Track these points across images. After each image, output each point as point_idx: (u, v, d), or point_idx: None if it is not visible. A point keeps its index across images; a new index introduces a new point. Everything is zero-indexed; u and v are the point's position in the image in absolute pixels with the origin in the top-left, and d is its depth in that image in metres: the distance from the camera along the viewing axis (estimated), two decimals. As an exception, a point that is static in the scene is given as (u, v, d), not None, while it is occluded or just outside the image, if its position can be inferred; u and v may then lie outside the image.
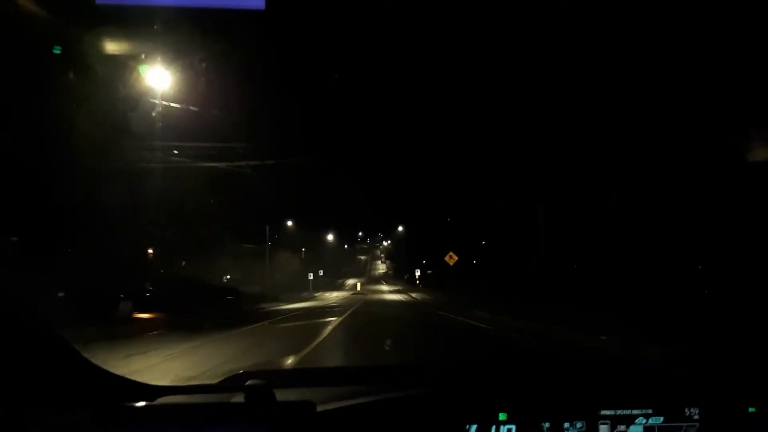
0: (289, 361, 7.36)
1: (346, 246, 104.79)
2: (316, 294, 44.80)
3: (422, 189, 57.52)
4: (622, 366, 2.45)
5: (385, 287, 60.43)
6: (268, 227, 38.69)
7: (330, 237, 65.55)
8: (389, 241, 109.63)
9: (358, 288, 51.73)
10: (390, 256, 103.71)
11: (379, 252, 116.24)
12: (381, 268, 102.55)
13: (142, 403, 1.49)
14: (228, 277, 40.42)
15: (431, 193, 51.46)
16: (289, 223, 47.36)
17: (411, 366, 2.09)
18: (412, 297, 38.93)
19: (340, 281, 73.57)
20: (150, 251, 30.82)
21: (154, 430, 1.41)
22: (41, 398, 1.35)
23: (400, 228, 60.36)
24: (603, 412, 1.63)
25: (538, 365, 2.59)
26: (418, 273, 50.56)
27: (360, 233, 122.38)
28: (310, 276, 45.69)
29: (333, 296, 43.45)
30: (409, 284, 60.83)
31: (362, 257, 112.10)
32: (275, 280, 43.40)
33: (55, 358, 1.39)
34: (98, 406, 1.42)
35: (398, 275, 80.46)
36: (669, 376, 2.00)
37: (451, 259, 30.14)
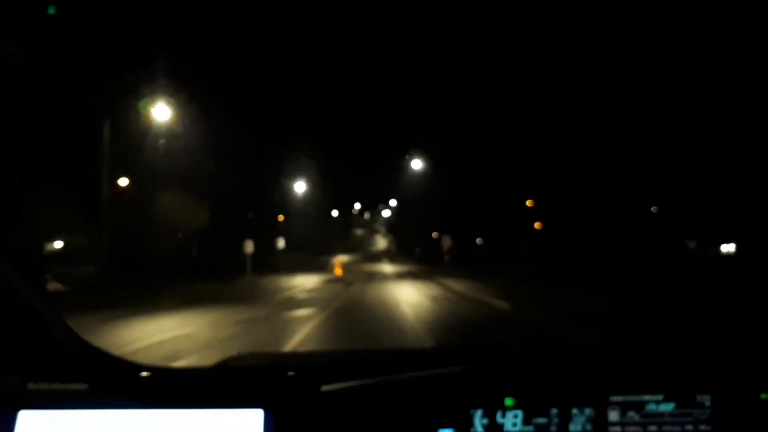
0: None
1: (336, 213, 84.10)
2: (262, 281, 23.63)
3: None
4: (633, 352, 2.22)
5: (388, 268, 38.89)
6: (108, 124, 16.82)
7: (301, 189, 40.91)
8: (395, 203, 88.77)
9: (336, 270, 28.97)
10: (392, 228, 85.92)
11: (378, 225, 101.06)
12: (381, 243, 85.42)
13: (137, 379, 1.49)
14: (61, 244, 19.31)
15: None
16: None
17: (417, 349, 2.21)
18: (468, 294, 17.58)
19: (324, 258, 53.55)
20: None
21: (150, 404, 1.37)
22: (38, 371, 1.42)
23: (417, 165, 38.24)
24: (612, 398, 1.59)
25: (548, 351, 2.35)
26: (448, 243, 29.08)
27: (358, 205, 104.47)
28: (249, 248, 23.97)
29: (288, 286, 22.38)
30: (425, 263, 39.62)
31: (359, 231, 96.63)
32: (177, 251, 22.28)
33: (50, 334, 1.47)
34: (95, 380, 1.44)
35: (402, 251, 64.27)
36: (680, 363, 1.86)
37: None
